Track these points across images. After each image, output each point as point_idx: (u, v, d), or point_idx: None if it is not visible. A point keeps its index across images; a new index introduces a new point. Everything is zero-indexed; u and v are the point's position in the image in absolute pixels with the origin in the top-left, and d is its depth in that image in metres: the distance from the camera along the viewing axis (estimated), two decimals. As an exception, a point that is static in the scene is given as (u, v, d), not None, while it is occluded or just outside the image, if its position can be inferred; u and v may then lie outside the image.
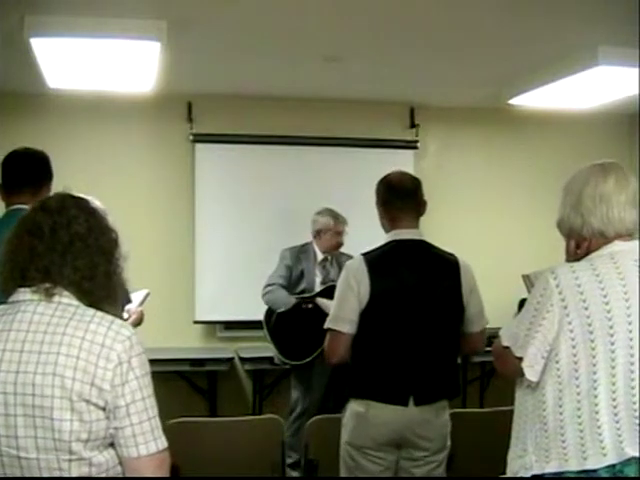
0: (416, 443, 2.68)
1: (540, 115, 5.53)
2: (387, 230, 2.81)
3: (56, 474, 1.55)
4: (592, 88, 4.63)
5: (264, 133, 5.59)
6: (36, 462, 1.54)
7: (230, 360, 5.44)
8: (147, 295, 3.94)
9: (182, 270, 5.56)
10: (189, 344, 5.60)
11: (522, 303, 6.71)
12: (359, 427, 2.69)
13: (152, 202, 5.58)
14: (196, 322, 5.63)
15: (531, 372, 2.00)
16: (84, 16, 3.49)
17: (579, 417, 1.98)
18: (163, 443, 1.63)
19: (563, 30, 3.85)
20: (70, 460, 1.54)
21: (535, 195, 6.08)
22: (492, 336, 5.91)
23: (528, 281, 2.31)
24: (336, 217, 4.72)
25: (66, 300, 1.62)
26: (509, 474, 2.11)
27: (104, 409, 1.56)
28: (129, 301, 3.61)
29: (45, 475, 1.55)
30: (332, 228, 4.69)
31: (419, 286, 2.69)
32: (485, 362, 5.70)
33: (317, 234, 4.76)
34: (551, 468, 2.00)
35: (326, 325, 2.74)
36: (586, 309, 1.97)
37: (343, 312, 2.69)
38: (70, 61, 3.99)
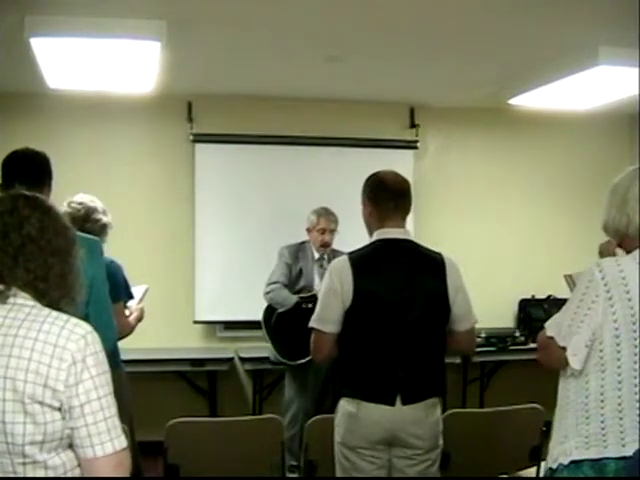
0: (408, 441, 2.68)
1: (540, 115, 5.53)
2: (373, 228, 2.81)
3: (11, 477, 1.54)
4: (592, 88, 4.63)
5: (264, 133, 5.60)
6: None
7: (230, 360, 5.44)
8: (146, 291, 3.95)
9: (182, 270, 5.56)
10: (189, 344, 5.60)
11: (522, 303, 6.72)
12: (351, 427, 2.70)
13: (152, 202, 5.58)
14: (196, 322, 5.62)
15: (575, 360, 2.07)
16: (84, 16, 3.49)
17: (619, 405, 2.05)
18: (121, 443, 1.60)
19: (563, 30, 3.85)
20: (24, 463, 1.53)
21: (535, 195, 6.09)
22: (492, 336, 5.91)
23: (570, 280, 2.40)
24: (321, 215, 4.75)
25: (21, 300, 1.60)
26: (550, 461, 2.17)
27: (60, 409, 1.54)
28: (131, 297, 3.62)
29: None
30: (316, 226, 4.74)
31: (404, 286, 2.68)
32: (485, 362, 5.71)
33: (307, 231, 4.82)
34: (590, 454, 2.06)
35: (310, 324, 2.76)
36: (630, 300, 2.05)
37: (326, 312, 2.71)
38: (70, 61, 3.99)
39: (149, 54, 3.83)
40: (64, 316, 1.60)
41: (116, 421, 1.60)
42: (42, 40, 3.64)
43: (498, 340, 5.56)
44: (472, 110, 5.84)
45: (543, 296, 5.78)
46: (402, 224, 2.80)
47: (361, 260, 2.72)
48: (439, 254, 2.81)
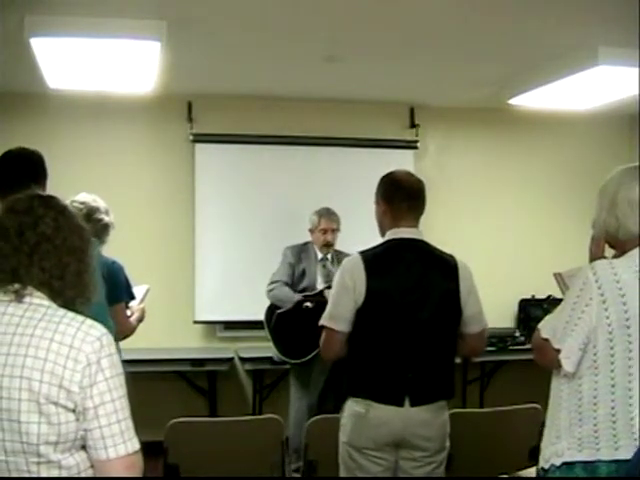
0: (415, 443, 2.67)
1: (540, 115, 5.53)
2: (386, 228, 2.81)
3: (25, 476, 1.54)
4: (592, 88, 4.63)
5: (264, 133, 5.60)
6: (5, 464, 1.53)
7: (230, 360, 5.44)
8: (147, 291, 3.95)
9: (182, 270, 5.55)
10: (189, 344, 5.60)
11: (522, 303, 6.70)
12: (359, 428, 2.68)
13: (152, 202, 5.58)
14: (196, 322, 5.62)
15: (568, 363, 2.06)
16: (84, 16, 3.49)
17: (613, 408, 2.04)
18: (134, 446, 1.60)
19: (563, 30, 3.85)
20: (39, 463, 1.53)
21: (535, 195, 6.09)
22: (492, 336, 5.93)
23: (560, 279, 2.38)
24: (323, 215, 4.77)
25: (37, 300, 1.60)
26: (541, 461, 2.16)
27: (74, 411, 1.54)
28: (133, 297, 3.62)
29: (14, 477, 1.54)
30: (318, 226, 4.77)
31: (416, 286, 2.68)
32: (485, 362, 5.71)
33: (310, 232, 4.85)
34: (583, 457, 2.05)
35: (321, 322, 2.74)
36: (624, 304, 2.02)
37: (338, 310, 2.70)
38: (70, 61, 3.99)
39: (149, 54, 3.83)
40: (80, 317, 1.61)
41: (129, 423, 1.61)
42: (42, 40, 3.64)
43: (498, 340, 5.56)
44: (472, 110, 5.84)
45: (543, 296, 5.77)
46: (415, 224, 2.80)
47: (374, 259, 2.71)
48: (452, 256, 2.80)
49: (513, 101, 5.18)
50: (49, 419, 1.52)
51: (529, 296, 5.94)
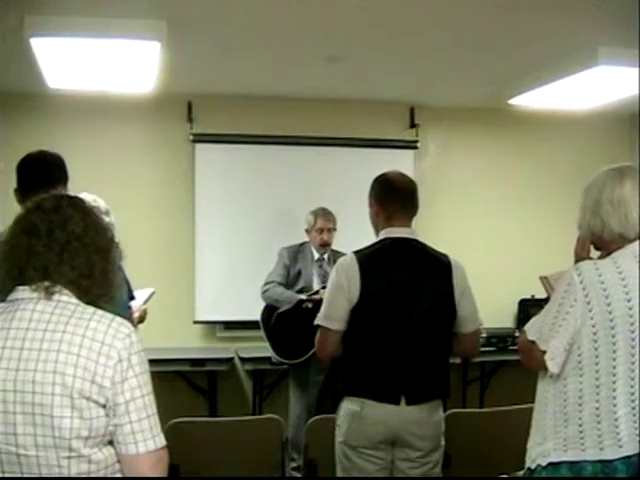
0: (411, 442, 2.68)
1: (540, 115, 5.53)
2: (379, 228, 2.82)
3: (55, 471, 1.56)
4: (592, 88, 4.64)
5: (264, 133, 5.60)
6: (35, 459, 1.55)
7: (230, 360, 5.44)
8: (152, 293, 3.95)
9: (182, 270, 5.56)
10: (189, 344, 5.60)
11: (522, 303, 6.68)
12: (354, 426, 2.70)
13: (152, 202, 5.58)
14: (196, 322, 5.63)
15: (553, 364, 2.06)
16: (84, 16, 3.49)
17: (597, 409, 2.04)
18: (162, 441, 1.65)
19: (563, 30, 3.85)
20: (69, 457, 1.55)
21: (535, 195, 6.09)
22: (492, 336, 5.91)
23: (546, 282, 2.38)
24: (318, 215, 4.78)
25: (65, 298, 1.63)
26: (528, 461, 2.16)
27: (104, 406, 1.57)
28: (132, 298, 3.61)
29: (44, 472, 1.56)
30: (314, 226, 4.77)
31: (410, 285, 2.69)
32: (485, 362, 5.71)
33: (306, 232, 4.85)
34: (568, 457, 2.05)
35: (316, 321, 2.76)
36: (608, 305, 2.02)
37: (332, 310, 2.71)
38: (70, 61, 3.99)
39: (149, 54, 3.83)
40: (109, 315, 1.65)
41: (157, 419, 1.65)
42: (42, 40, 3.64)
43: (498, 340, 5.56)
44: (472, 110, 5.84)
45: (543, 296, 5.76)
46: (408, 224, 2.81)
47: (368, 258, 2.73)
48: (445, 255, 2.81)
49: (513, 101, 5.18)
50: (81, 414, 1.55)
51: (529, 296, 5.93)
